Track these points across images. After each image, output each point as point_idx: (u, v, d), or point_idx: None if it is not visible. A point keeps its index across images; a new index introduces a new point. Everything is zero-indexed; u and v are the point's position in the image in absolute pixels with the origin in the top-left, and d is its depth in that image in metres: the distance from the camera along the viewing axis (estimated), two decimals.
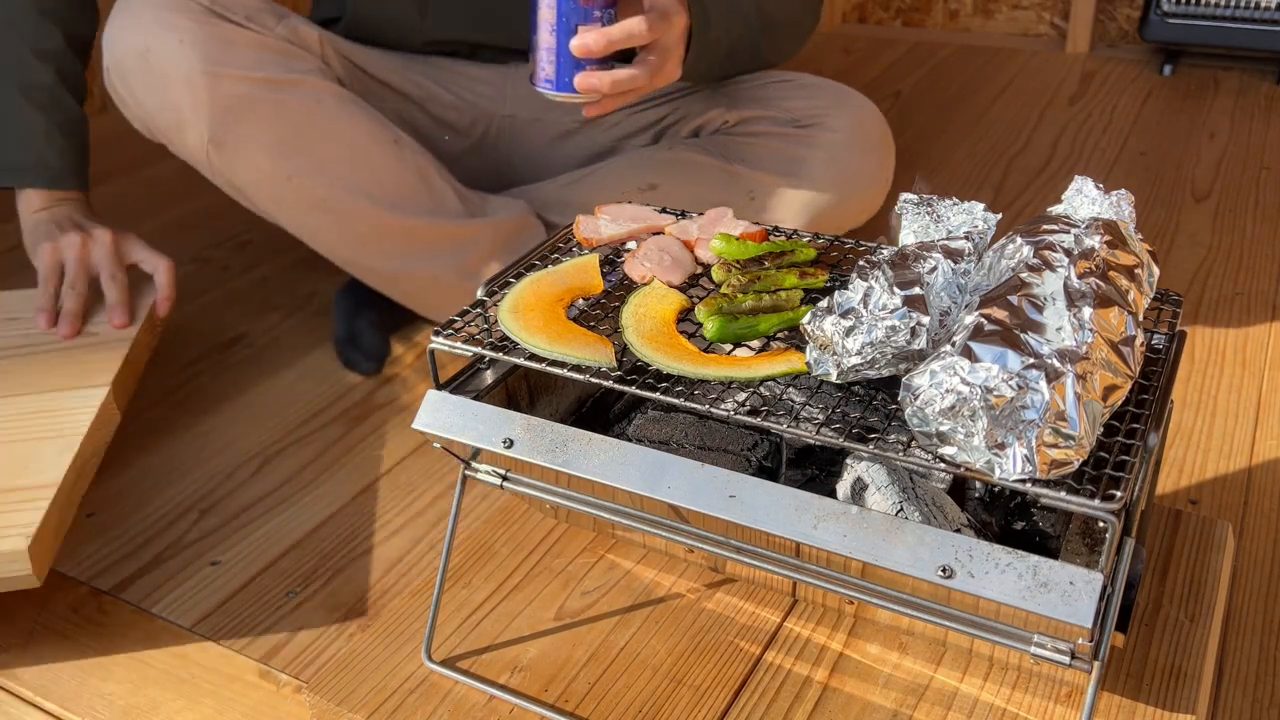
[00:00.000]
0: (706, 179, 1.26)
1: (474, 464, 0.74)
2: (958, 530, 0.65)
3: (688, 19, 1.05)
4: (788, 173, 1.26)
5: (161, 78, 1.12)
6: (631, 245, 0.81)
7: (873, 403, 0.66)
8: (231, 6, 1.16)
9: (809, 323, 0.63)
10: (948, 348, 0.57)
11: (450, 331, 0.71)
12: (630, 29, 0.96)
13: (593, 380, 0.66)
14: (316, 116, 1.16)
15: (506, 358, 0.69)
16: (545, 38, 0.95)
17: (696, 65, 1.10)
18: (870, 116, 1.30)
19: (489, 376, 0.75)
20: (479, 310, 0.73)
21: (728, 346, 0.70)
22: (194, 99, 1.11)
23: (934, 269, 0.64)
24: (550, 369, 0.67)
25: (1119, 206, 0.68)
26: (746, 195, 1.25)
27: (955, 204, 0.73)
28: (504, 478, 0.74)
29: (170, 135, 1.15)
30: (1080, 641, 0.57)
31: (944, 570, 0.57)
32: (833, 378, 0.63)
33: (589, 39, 0.94)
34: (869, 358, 0.62)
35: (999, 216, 0.72)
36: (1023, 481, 0.55)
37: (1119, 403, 0.58)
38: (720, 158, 1.27)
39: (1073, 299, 0.58)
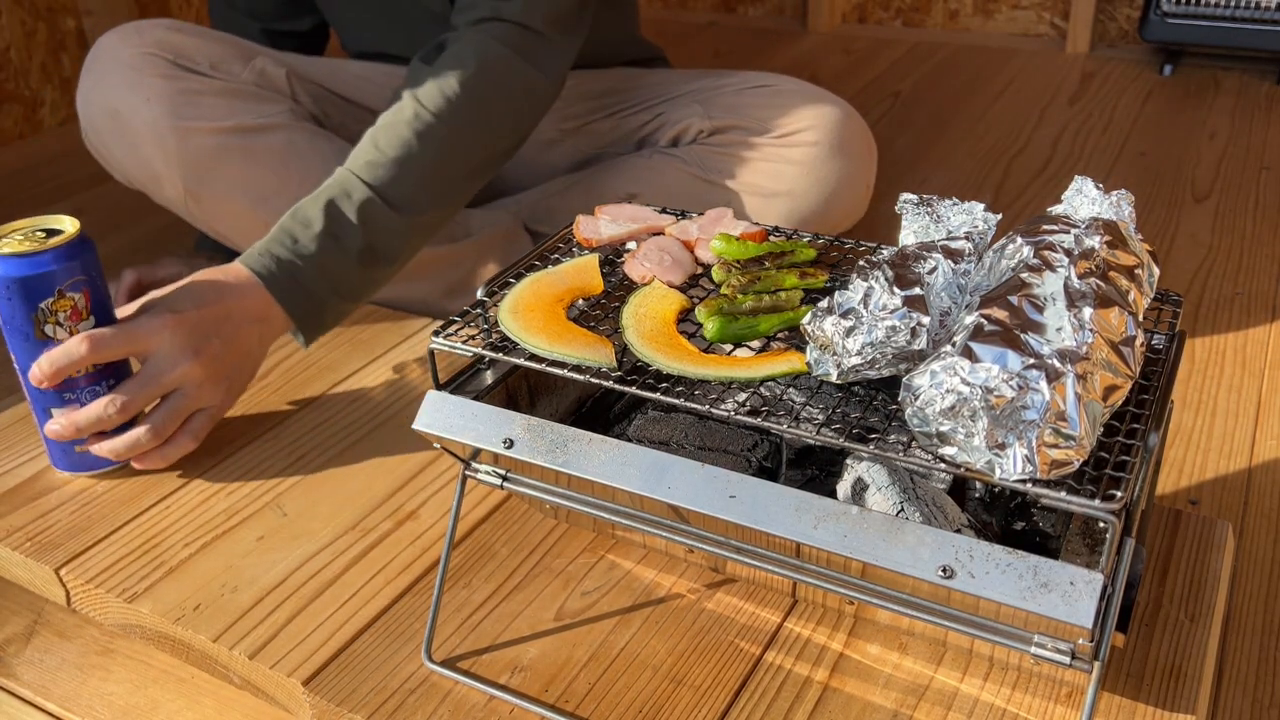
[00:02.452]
0: (685, 189, 1.25)
1: (474, 464, 0.74)
2: (958, 530, 0.65)
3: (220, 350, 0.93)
4: (766, 185, 1.25)
5: (133, 137, 1.12)
6: (631, 245, 0.81)
7: (873, 403, 0.66)
8: (195, 57, 1.16)
9: (809, 323, 0.63)
10: (948, 348, 0.57)
11: (450, 332, 0.71)
12: (97, 413, 0.87)
13: (593, 380, 0.66)
14: (289, 159, 1.16)
15: (506, 358, 0.69)
16: (35, 415, 0.91)
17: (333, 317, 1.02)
18: (848, 124, 1.27)
19: (489, 377, 0.75)
20: (479, 310, 0.73)
21: (728, 347, 0.70)
22: (165, 155, 1.11)
23: (934, 269, 0.64)
24: (550, 369, 0.67)
25: (1119, 206, 0.68)
26: (725, 207, 1.24)
27: (955, 204, 0.73)
28: (504, 478, 0.73)
29: (149, 189, 1.16)
30: (1080, 641, 0.57)
31: (944, 570, 0.57)
32: (833, 378, 0.63)
33: (58, 426, 0.88)
34: (869, 358, 0.62)
35: (999, 216, 0.72)
36: (1023, 482, 0.55)
37: (1119, 403, 0.58)
38: (699, 168, 1.26)
39: (1073, 299, 0.58)
